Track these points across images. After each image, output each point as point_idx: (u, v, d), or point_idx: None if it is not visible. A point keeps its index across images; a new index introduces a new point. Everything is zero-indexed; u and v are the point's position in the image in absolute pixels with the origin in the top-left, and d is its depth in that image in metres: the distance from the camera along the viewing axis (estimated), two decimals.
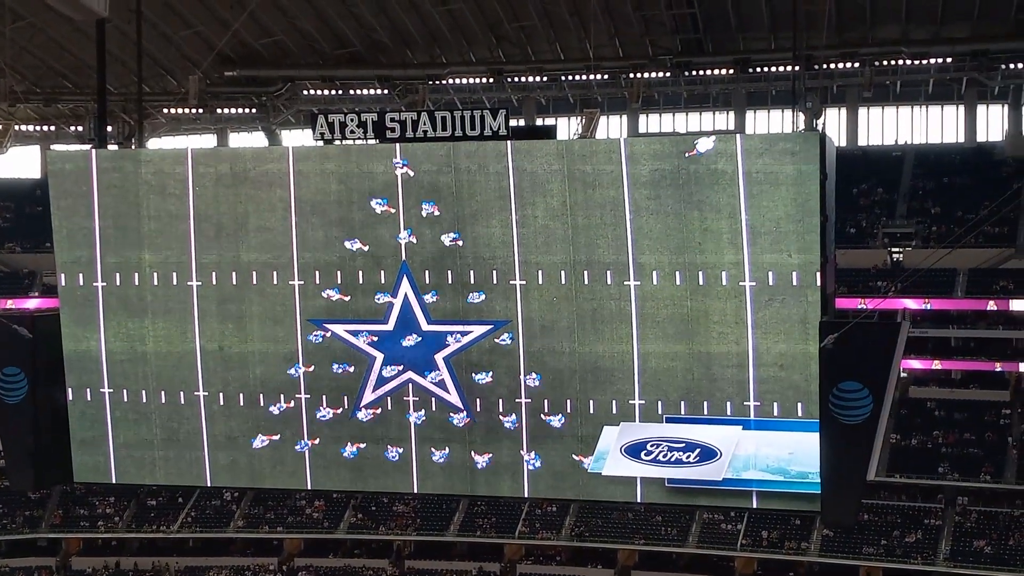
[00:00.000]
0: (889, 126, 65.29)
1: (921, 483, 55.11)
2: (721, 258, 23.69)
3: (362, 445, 26.23)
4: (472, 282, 25.05)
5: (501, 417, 25.41)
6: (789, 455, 23.56)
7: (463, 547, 59.21)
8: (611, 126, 66.16)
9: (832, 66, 56.66)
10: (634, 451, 24.25)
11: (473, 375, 25.39)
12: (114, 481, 28.09)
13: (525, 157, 24.60)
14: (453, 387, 25.57)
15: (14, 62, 55.74)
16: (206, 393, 26.92)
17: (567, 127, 63.51)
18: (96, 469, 28.06)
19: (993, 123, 63.59)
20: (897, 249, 59.14)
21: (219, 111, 64.28)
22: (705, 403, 24.13)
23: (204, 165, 26.67)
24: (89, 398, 27.51)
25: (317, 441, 26.52)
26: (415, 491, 26.76)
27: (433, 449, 25.95)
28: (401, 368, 25.78)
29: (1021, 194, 46.23)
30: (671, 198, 23.93)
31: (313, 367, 26.29)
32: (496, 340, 25.09)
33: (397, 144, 25.18)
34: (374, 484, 26.83)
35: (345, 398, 26.24)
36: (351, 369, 26.07)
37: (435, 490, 27.12)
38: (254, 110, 64.46)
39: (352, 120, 25.32)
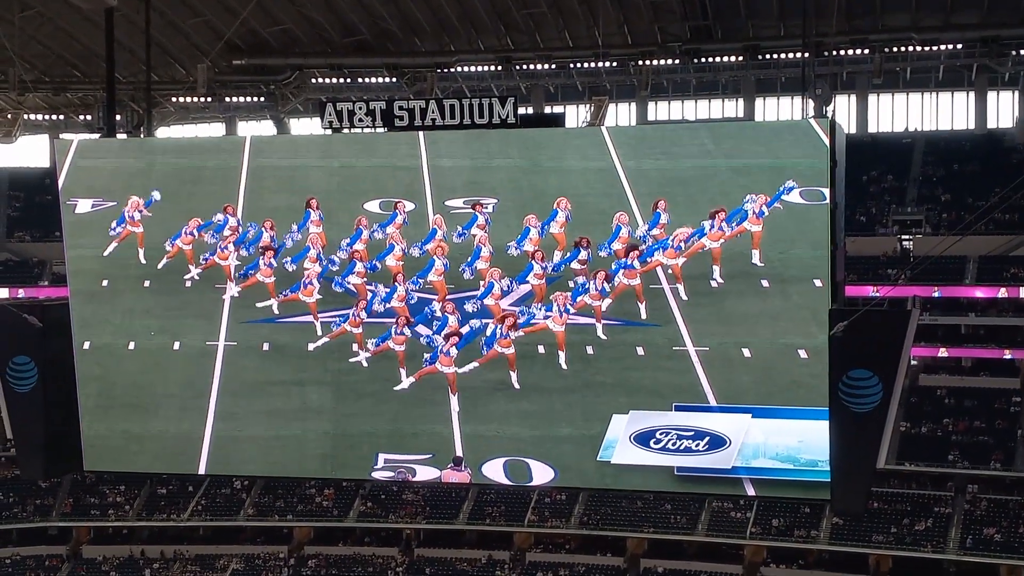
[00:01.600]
0: (899, 113, 65.08)
1: (931, 471, 55.06)
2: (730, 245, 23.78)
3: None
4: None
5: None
6: (798, 443, 23.51)
7: (472, 535, 59.35)
8: (620, 114, 66.04)
9: (842, 53, 56.48)
10: (643, 439, 24.22)
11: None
12: (124, 470, 28.08)
13: None
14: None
15: (23, 51, 55.77)
16: (219, 383, 26.91)
17: (576, 115, 63.39)
18: (106, 458, 28.10)
19: (1004, 110, 63.38)
20: (907, 236, 59.07)
21: (228, 100, 64.31)
22: (714, 391, 24.12)
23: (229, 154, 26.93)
24: (99, 387, 27.54)
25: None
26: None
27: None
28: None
29: None
30: (680, 187, 24.05)
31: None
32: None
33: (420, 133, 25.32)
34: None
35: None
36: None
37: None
38: (263, 99, 64.41)
39: (360, 108, 25.25)
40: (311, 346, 26.06)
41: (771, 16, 57.07)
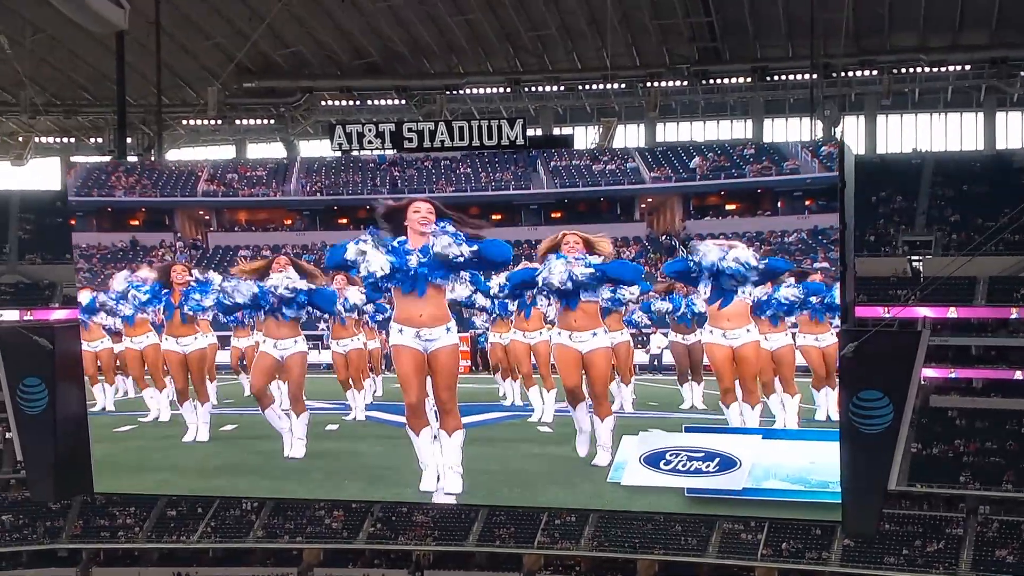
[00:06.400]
0: (908, 134, 65.08)
1: (942, 492, 54.80)
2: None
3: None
4: None
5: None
6: (810, 464, 23.45)
7: (482, 557, 59.16)
8: (628, 135, 66.13)
9: (850, 74, 56.64)
10: (653, 461, 24.16)
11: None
12: (134, 491, 28.00)
13: None
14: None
15: (34, 74, 56.07)
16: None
17: (584, 136, 63.51)
18: (116, 480, 28.06)
19: (1012, 130, 63.34)
20: (917, 257, 58.98)
21: (238, 122, 64.58)
22: (725, 412, 24.10)
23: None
24: (110, 408, 27.56)
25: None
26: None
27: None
28: None
29: None
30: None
31: None
32: None
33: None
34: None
35: None
36: None
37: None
38: (272, 121, 64.69)
39: (370, 130, 25.28)
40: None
41: (779, 37, 57.19)
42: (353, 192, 26.13)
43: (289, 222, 27.24)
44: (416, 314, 21.63)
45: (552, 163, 25.62)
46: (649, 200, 25.37)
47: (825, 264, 23.43)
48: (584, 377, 23.50)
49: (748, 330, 23.26)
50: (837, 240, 22.13)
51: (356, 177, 26.31)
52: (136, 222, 27.34)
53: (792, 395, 24.06)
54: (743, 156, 24.49)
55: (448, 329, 21.92)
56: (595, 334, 23.18)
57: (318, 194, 26.36)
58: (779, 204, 24.37)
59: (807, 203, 23.49)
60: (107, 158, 27.99)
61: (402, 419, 22.65)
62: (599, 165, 25.47)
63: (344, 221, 26.34)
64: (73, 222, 26.35)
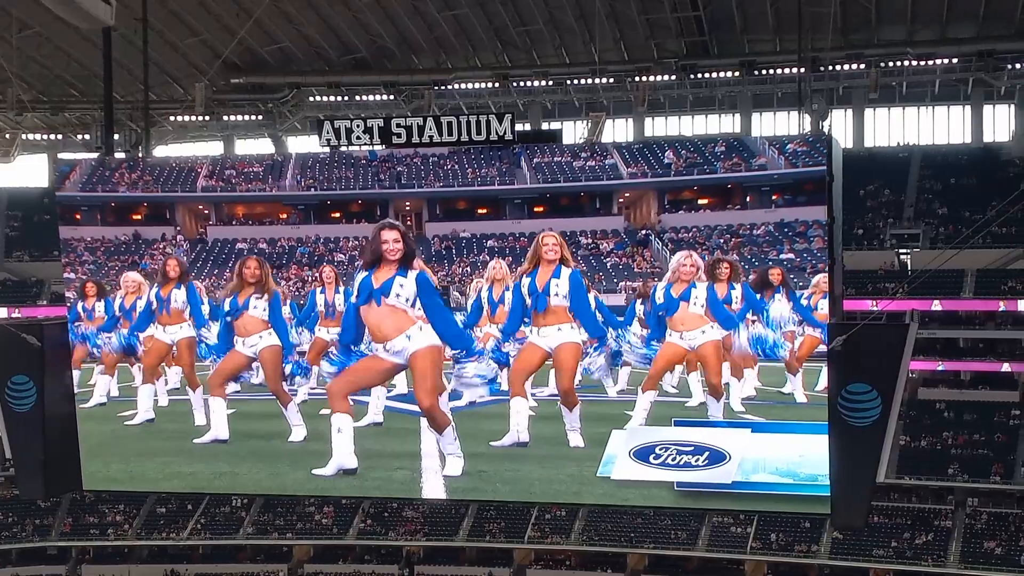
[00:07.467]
0: (895, 127, 65.24)
1: (931, 485, 55.03)
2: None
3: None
4: None
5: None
6: (799, 457, 23.49)
7: (472, 552, 59.25)
8: (616, 130, 66.18)
9: (838, 68, 56.71)
10: (643, 455, 24.18)
11: None
12: (124, 489, 27.88)
13: None
14: None
15: (21, 71, 55.87)
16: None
17: (573, 131, 63.53)
18: (105, 477, 27.98)
19: (1000, 123, 63.54)
20: (905, 250, 59.16)
21: (225, 118, 64.48)
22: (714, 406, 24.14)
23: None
24: (100, 405, 27.51)
25: None
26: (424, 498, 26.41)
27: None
28: None
29: None
30: None
31: None
32: None
33: None
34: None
35: None
36: None
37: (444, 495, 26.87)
38: (260, 117, 64.61)
39: (358, 126, 25.21)
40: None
41: (767, 31, 57.28)
42: (346, 187, 26.17)
43: (284, 216, 27.22)
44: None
45: (535, 159, 25.66)
46: (627, 194, 25.42)
47: (791, 255, 23.58)
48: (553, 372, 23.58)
49: (704, 331, 23.37)
50: (802, 232, 22.24)
51: (349, 173, 26.32)
52: (138, 216, 27.30)
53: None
54: (715, 153, 24.59)
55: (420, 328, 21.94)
56: (560, 329, 23.15)
57: (311, 189, 26.35)
58: (748, 199, 24.46)
59: (774, 197, 23.57)
60: (94, 155, 28.00)
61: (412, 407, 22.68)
62: (580, 161, 25.53)
63: (337, 215, 26.36)
64: (79, 216, 26.29)
